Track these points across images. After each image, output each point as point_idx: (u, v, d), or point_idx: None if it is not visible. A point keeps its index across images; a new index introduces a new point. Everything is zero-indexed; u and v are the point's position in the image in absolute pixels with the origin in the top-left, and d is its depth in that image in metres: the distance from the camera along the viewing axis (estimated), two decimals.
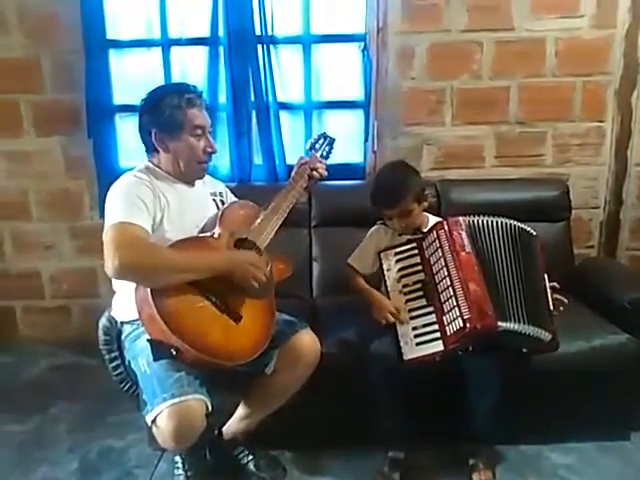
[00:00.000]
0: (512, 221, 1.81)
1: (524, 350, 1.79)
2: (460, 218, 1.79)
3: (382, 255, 1.87)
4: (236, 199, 2.00)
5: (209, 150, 1.78)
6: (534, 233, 1.84)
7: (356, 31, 2.64)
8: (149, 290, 1.51)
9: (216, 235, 1.71)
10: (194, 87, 1.79)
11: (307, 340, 1.78)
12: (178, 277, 1.57)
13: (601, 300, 2.18)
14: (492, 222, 1.79)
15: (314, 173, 1.94)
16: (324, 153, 2.01)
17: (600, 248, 2.81)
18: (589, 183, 2.74)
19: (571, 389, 1.93)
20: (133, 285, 1.61)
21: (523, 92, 2.64)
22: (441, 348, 1.69)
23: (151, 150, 1.79)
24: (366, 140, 2.70)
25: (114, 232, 1.55)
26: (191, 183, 1.83)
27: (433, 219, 1.99)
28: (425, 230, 1.90)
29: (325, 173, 1.96)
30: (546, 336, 1.73)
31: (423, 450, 1.93)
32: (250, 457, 1.88)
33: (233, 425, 1.87)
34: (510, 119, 2.67)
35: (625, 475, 1.88)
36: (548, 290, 1.81)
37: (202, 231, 1.76)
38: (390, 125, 2.67)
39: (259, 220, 1.81)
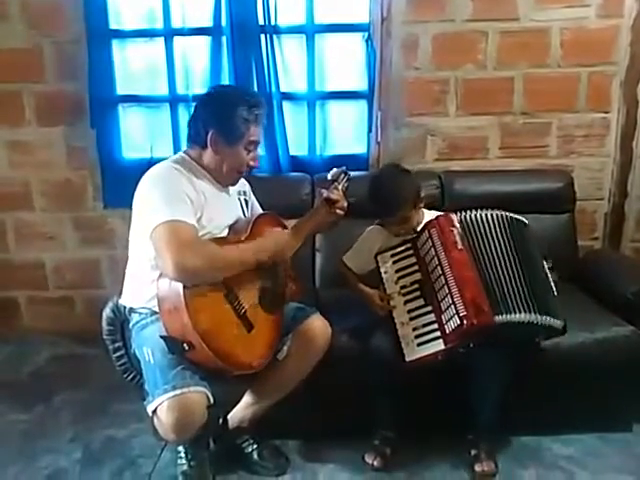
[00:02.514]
0: (501, 212, 1.81)
1: (537, 339, 1.81)
2: (452, 215, 1.79)
3: (379, 258, 1.87)
4: (256, 202, 2.03)
5: (251, 164, 1.80)
6: (525, 221, 1.84)
7: (360, 21, 2.62)
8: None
9: (244, 239, 1.74)
10: (262, 100, 1.79)
11: (318, 324, 1.81)
12: (229, 274, 1.62)
13: (605, 292, 2.18)
14: (483, 215, 1.79)
15: (337, 211, 1.92)
16: (344, 188, 1.99)
17: (604, 240, 2.80)
18: (594, 174, 2.72)
19: (574, 380, 1.93)
20: (149, 273, 1.63)
21: (528, 83, 2.62)
22: (442, 347, 1.70)
23: (196, 143, 1.77)
24: (370, 131, 2.69)
25: (170, 231, 1.54)
26: (225, 185, 1.84)
27: (428, 214, 1.98)
28: (419, 228, 1.90)
29: (345, 205, 1.93)
30: (557, 323, 1.73)
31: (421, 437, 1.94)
32: (254, 446, 1.89)
33: (239, 413, 1.88)
34: (514, 110, 2.65)
35: (626, 466, 1.89)
36: (549, 275, 1.81)
37: (230, 231, 1.79)
38: (394, 116, 2.65)
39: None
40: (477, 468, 1.81)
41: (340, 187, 1.97)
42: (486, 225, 1.78)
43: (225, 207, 1.81)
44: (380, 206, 1.91)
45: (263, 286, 1.74)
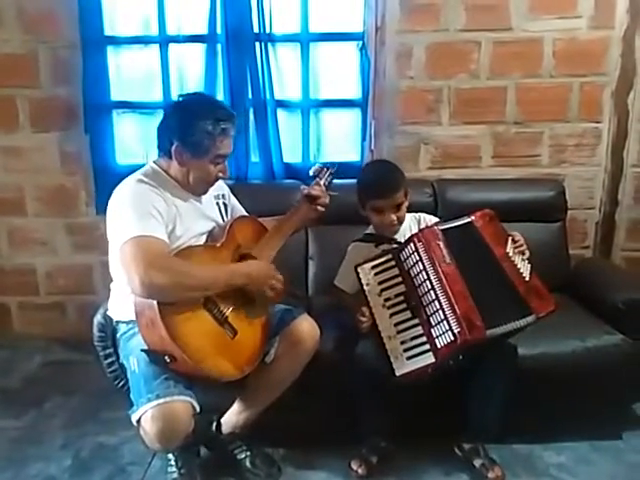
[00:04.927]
0: (454, 222, 1.82)
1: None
2: (435, 228, 1.80)
3: (359, 269, 1.84)
4: (237, 203, 2.02)
5: (221, 176, 1.77)
6: (467, 220, 1.83)
7: (354, 30, 2.63)
8: None
9: (220, 245, 1.73)
10: (231, 112, 1.74)
11: (306, 325, 1.79)
12: (199, 295, 1.59)
13: (596, 301, 2.19)
14: (454, 227, 1.80)
15: (319, 208, 1.93)
16: (326, 183, 1.99)
17: (595, 249, 2.81)
18: (585, 184, 2.74)
19: (565, 389, 1.94)
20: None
21: (520, 92, 2.64)
22: (432, 360, 1.68)
23: (164, 153, 1.74)
24: (364, 139, 2.70)
25: (137, 247, 1.52)
26: (196, 194, 1.81)
27: (409, 217, 1.99)
28: (397, 237, 1.92)
29: (327, 201, 1.94)
30: (531, 321, 1.72)
31: (413, 443, 1.93)
32: (247, 453, 1.86)
33: (231, 418, 1.86)
34: (507, 119, 2.67)
35: (616, 474, 1.89)
36: (516, 260, 1.79)
37: (207, 239, 1.78)
38: (387, 124, 2.67)
39: (264, 239, 1.84)
40: (491, 475, 1.80)
41: (322, 182, 1.96)
42: (459, 237, 1.78)
43: (200, 215, 1.79)
44: (378, 187, 1.89)
45: (244, 289, 1.71)
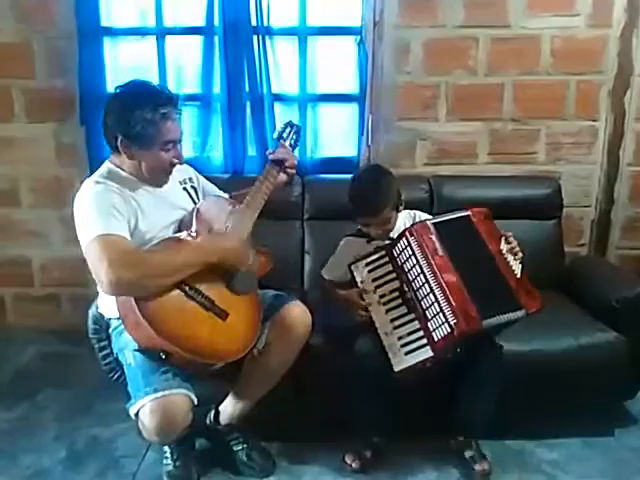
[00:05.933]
0: (450, 215, 1.83)
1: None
2: (427, 222, 1.80)
3: (353, 267, 1.85)
4: (208, 183, 1.98)
5: (175, 162, 1.72)
6: (464, 213, 1.83)
7: (352, 24, 2.62)
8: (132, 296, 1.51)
9: (194, 234, 1.70)
10: (169, 94, 1.70)
11: (297, 311, 1.77)
12: (171, 281, 1.56)
13: (590, 298, 2.20)
14: (449, 221, 1.80)
15: (288, 171, 1.91)
16: (292, 142, 1.95)
17: (591, 247, 2.82)
18: (581, 182, 2.75)
19: (558, 386, 1.95)
20: None
21: (517, 89, 2.64)
22: (430, 354, 1.69)
23: (114, 151, 1.70)
24: (361, 134, 2.69)
25: (100, 247, 1.51)
26: (157, 185, 1.76)
27: (404, 213, 1.98)
28: (391, 234, 1.90)
29: (294, 162, 1.92)
30: (521, 315, 1.73)
31: (406, 439, 1.95)
32: (243, 445, 1.86)
33: (228, 409, 1.86)
34: (504, 116, 2.67)
35: (608, 470, 1.91)
36: (508, 258, 1.79)
37: (179, 229, 1.75)
38: (385, 119, 2.66)
39: (236, 215, 1.80)
40: (478, 468, 1.83)
41: (287, 143, 1.93)
42: (453, 230, 1.78)
43: (164, 205, 1.75)
44: (362, 207, 1.88)
45: (227, 270, 1.68)
